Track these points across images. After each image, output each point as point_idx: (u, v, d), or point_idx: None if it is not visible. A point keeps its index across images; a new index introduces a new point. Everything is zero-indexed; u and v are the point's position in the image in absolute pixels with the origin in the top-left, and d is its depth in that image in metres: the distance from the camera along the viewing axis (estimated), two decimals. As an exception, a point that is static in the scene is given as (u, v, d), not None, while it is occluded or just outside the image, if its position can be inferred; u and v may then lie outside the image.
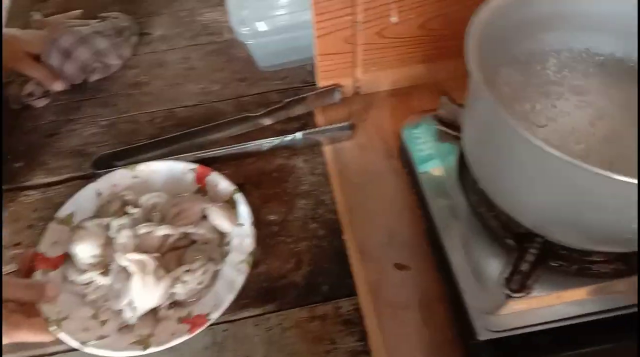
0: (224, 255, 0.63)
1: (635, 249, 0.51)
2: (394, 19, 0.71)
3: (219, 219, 0.64)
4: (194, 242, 0.64)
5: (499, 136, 0.48)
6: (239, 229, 0.64)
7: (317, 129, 0.73)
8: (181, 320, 0.58)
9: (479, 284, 0.54)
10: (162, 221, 0.63)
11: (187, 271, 0.60)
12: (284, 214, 0.69)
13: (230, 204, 0.66)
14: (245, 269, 0.60)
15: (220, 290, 0.60)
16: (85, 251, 0.61)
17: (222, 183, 0.67)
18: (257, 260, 0.65)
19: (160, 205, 0.65)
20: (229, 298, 0.58)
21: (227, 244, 0.64)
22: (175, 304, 0.60)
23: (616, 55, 0.59)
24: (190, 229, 0.63)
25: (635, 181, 0.38)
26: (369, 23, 0.71)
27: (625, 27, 0.57)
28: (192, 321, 0.57)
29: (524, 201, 0.50)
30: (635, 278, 0.54)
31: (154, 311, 0.59)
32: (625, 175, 0.38)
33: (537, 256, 0.52)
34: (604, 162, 0.55)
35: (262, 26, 0.77)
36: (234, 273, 0.60)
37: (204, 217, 0.65)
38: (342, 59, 0.75)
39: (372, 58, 0.75)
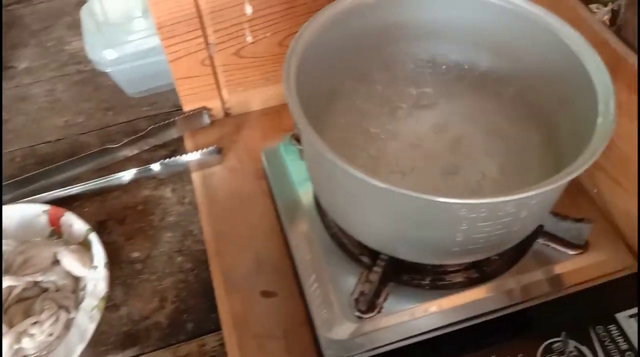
0: (79, 301, 0.59)
1: (475, 258, 0.52)
2: (249, 38, 0.69)
3: (70, 263, 0.60)
4: (45, 290, 0.60)
5: (326, 167, 0.47)
6: (94, 272, 0.60)
7: (179, 157, 0.70)
8: None
9: (332, 308, 0.52)
10: (7, 271, 0.59)
11: (35, 322, 0.56)
12: (148, 250, 0.66)
13: (85, 246, 0.62)
14: (97, 315, 0.56)
15: (72, 340, 0.56)
16: None
17: (76, 223, 0.64)
18: (118, 302, 0.61)
19: (7, 253, 0.61)
20: (79, 348, 0.54)
21: (83, 289, 0.60)
22: (22, 362, 0.56)
23: (462, 64, 0.59)
24: (38, 277, 0.59)
25: (452, 200, 0.38)
26: (224, 44, 0.69)
27: (469, 36, 0.57)
28: None
29: (360, 224, 0.49)
30: (489, 284, 0.54)
31: None
32: (455, 193, 0.38)
33: (382, 274, 0.51)
34: (448, 171, 0.55)
35: (112, 53, 0.74)
36: (87, 321, 0.57)
37: (57, 261, 0.61)
38: (203, 81, 0.72)
39: (235, 79, 0.73)
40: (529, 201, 0.41)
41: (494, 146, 0.56)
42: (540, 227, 0.55)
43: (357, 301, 0.50)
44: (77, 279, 0.61)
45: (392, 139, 0.57)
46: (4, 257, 0.60)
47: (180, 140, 0.76)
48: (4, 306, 0.57)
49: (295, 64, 0.47)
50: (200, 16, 0.65)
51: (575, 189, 0.60)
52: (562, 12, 0.56)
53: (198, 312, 0.61)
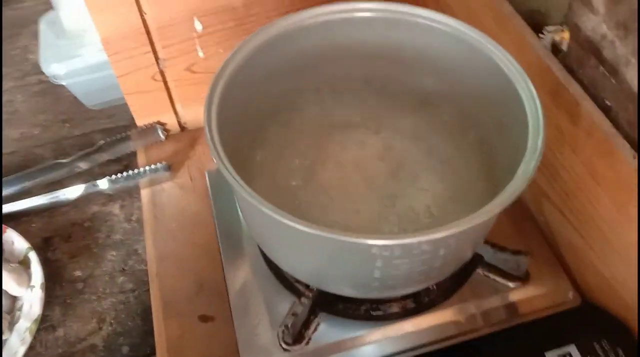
0: (13, 322, 0.58)
1: (402, 292, 0.50)
2: (200, 54, 0.68)
3: (8, 282, 0.59)
4: None
5: (241, 199, 0.45)
6: (30, 292, 0.59)
7: (127, 173, 0.69)
8: None
9: (260, 338, 0.50)
10: None
11: None
12: (90, 269, 0.64)
13: (24, 264, 0.61)
14: (28, 338, 0.55)
15: None
16: None
17: (17, 241, 0.62)
18: (55, 323, 0.60)
19: None
20: None
21: (20, 309, 0.59)
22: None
23: (404, 85, 0.57)
24: None
25: (367, 241, 0.36)
26: (175, 60, 0.67)
27: (411, 58, 0.55)
28: None
29: (282, 256, 0.48)
30: (426, 315, 0.52)
31: None
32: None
33: (312, 305, 0.49)
34: (387, 196, 0.54)
35: (63, 67, 0.73)
36: (17, 343, 0.55)
37: None
38: (155, 96, 0.71)
39: (188, 93, 0.72)
40: (446, 240, 0.39)
41: (435, 172, 0.55)
42: (480, 257, 0.53)
43: (283, 332, 0.49)
44: (14, 299, 0.60)
45: (329, 165, 0.55)
46: None
47: (134, 154, 0.75)
48: None
49: (221, 89, 0.46)
50: (148, 32, 0.64)
51: (522, 215, 0.58)
52: (508, 35, 0.54)
53: (135, 335, 0.59)
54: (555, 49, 0.56)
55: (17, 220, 0.68)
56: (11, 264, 0.60)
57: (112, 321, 0.60)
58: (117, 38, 0.63)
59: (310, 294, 0.49)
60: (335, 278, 0.46)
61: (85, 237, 0.67)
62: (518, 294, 0.52)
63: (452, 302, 0.52)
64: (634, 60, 0.40)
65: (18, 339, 0.56)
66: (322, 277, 0.47)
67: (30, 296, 0.59)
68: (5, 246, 0.63)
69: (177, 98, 0.72)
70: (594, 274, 0.51)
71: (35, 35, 0.87)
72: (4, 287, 0.59)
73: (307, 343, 0.49)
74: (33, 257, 0.61)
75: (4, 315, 0.59)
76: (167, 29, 0.64)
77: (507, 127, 0.48)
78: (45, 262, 0.62)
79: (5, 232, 0.63)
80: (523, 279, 0.52)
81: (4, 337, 0.57)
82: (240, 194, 0.39)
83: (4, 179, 0.70)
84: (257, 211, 0.39)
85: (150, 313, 0.60)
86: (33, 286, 0.59)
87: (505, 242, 0.54)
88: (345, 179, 0.54)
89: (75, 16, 0.78)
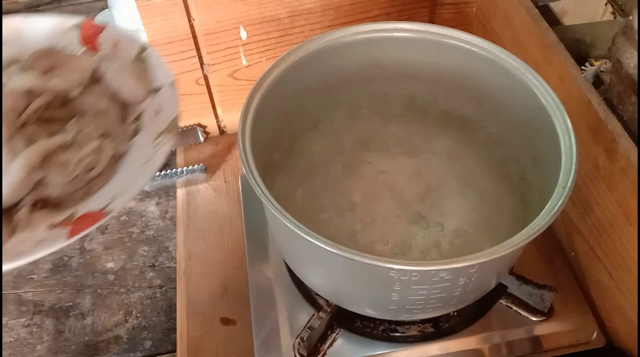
0: (129, 134, 0.44)
1: (420, 317, 0.50)
2: (244, 61, 0.69)
3: (124, 82, 0.44)
4: (76, 116, 0.42)
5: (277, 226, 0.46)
6: (153, 97, 0.44)
7: (164, 172, 0.71)
8: (54, 226, 0.37)
9: (277, 348, 0.51)
10: (24, 70, 0.43)
11: (70, 147, 0.39)
12: (122, 262, 0.67)
13: (139, 64, 0.46)
14: (168, 139, 0.41)
15: (126, 176, 0.40)
16: None
17: (125, 41, 0.46)
18: (84, 311, 0.62)
19: (20, 58, 0.43)
20: (142, 179, 0.39)
21: (136, 119, 0.44)
22: (44, 203, 0.38)
23: (443, 107, 0.57)
24: (74, 90, 0.42)
25: (383, 264, 0.37)
26: (219, 65, 0.69)
27: (451, 81, 0.55)
28: (76, 222, 0.37)
29: (305, 270, 0.48)
30: (444, 342, 0.52)
31: (7, 213, 0.37)
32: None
33: (329, 319, 0.50)
34: (414, 218, 0.53)
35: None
36: (151, 150, 0.41)
37: (98, 80, 0.45)
38: (198, 99, 0.73)
39: (230, 99, 0.73)
40: (466, 270, 0.39)
41: (465, 198, 0.54)
42: (505, 287, 0.52)
43: (299, 344, 0.49)
44: (124, 107, 0.45)
45: (359, 183, 0.56)
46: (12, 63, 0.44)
47: (173, 154, 0.77)
48: (19, 120, 0.40)
49: (258, 101, 0.47)
50: (195, 37, 0.66)
51: (553, 249, 0.57)
52: (552, 65, 0.53)
53: (158, 330, 0.61)
54: (599, 80, 0.55)
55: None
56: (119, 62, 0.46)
57: (138, 315, 0.62)
58: (164, 41, 0.65)
59: (329, 309, 0.49)
60: (354, 297, 0.46)
61: (120, 230, 0.70)
62: (541, 328, 0.51)
63: (473, 331, 0.52)
64: (676, 103, 0.39)
65: (149, 147, 0.41)
66: (341, 294, 0.47)
67: (155, 100, 0.44)
68: (103, 48, 0.47)
69: (219, 102, 0.74)
70: (621, 316, 0.49)
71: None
72: (116, 87, 0.45)
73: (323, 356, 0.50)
74: (152, 54, 0.46)
75: (115, 122, 0.44)
76: (213, 36, 0.66)
77: (541, 160, 0.48)
78: (81, 252, 0.65)
79: (102, 31, 0.47)
80: (547, 313, 0.51)
81: (116, 149, 0.42)
82: (266, 207, 0.40)
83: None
84: (281, 225, 0.40)
85: (175, 311, 0.62)
86: (158, 88, 0.44)
87: (533, 274, 0.53)
88: (374, 196, 0.55)
89: (128, 15, 0.81)
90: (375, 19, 0.69)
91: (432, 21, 0.72)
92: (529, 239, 0.36)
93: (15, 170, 0.36)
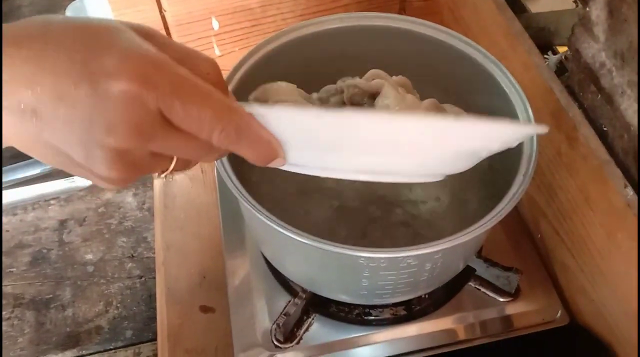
0: None
1: (390, 301, 0.52)
2: (217, 51, 0.70)
3: None
4: None
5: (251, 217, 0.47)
6: None
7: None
8: None
9: (254, 334, 0.52)
10: None
11: None
12: (102, 253, 0.68)
13: None
14: None
15: None
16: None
17: None
18: (65, 303, 0.63)
19: None
20: None
21: None
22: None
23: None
24: None
25: (352, 252, 0.38)
26: (192, 55, 0.69)
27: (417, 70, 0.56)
28: None
29: (278, 258, 0.49)
30: (416, 323, 0.54)
31: None
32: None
33: (305, 305, 0.51)
34: (383, 204, 0.55)
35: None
36: None
37: None
38: (172, 90, 0.73)
39: (204, 89, 0.74)
40: (431, 256, 0.40)
41: (434, 183, 0.55)
42: (473, 270, 0.54)
43: (276, 330, 0.51)
44: None
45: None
46: None
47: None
48: None
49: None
50: (166, 28, 0.66)
51: (520, 232, 0.59)
52: (516, 54, 0.55)
53: (139, 320, 0.62)
54: (563, 67, 0.56)
55: (35, 202, 0.72)
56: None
57: (118, 305, 0.64)
58: (137, 33, 0.65)
59: (304, 296, 0.51)
60: (326, 284, 0.48)
61: (98, 222, 0.70)
62: (508, 309, 0.53)
63: (443, 313, 0.54)
64: (630, 91, 0.40)
65: None
66: (315, 282, 0.48)
67: None
68: None
69: (194, 92, 0.74)
70: (583, 296, 0.51)
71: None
72: None
73: (299, 342, 0.51)
74: None
75: None
76: (185, 27, 0.66)
77: (507, 151, 0.49)
78: (59, 244, 0.66)
79: None
80: (513, 294, 0.53)
81: None
82: (238, 199, 0.41)
83: (25, 162, 0.73)
84: (254, 216, 0.41)
85: (155, 300, 0.63)
86: None
87: (501, 257, 0.54)
88: (346, 182, 0.56)
89: (100, 6, 0.80)
90: (346, 8, 0.69)
91: (402, 9, 0.72)
92: (489, 225, 0.38)
93: None
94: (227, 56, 0.70)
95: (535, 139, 0.43)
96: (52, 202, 0.72)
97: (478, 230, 0.38)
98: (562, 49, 0.58)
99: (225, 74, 0.50)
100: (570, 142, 0.48)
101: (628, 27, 0.40)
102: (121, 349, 0.60)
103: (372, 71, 0.52)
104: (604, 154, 0.44)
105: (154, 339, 0.61)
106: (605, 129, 0.46)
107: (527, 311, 0.54)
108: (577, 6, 0.49)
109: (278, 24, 0.68)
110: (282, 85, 0.42)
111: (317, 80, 0.58)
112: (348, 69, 0.57)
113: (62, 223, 0.70)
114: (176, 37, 0.67)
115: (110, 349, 0.60)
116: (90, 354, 0.60)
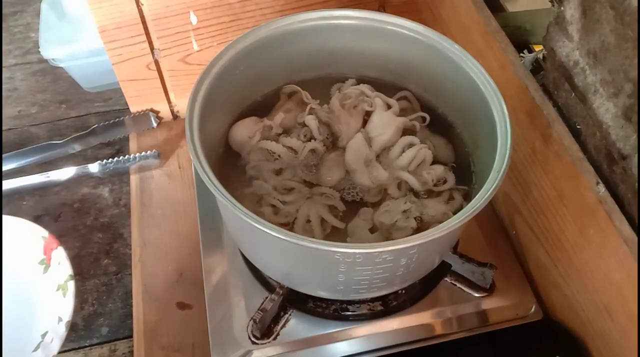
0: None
1: (367, 296, 0.52)
2: (195, 46, 0.69)
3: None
4: None
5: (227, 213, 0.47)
6: (56, 324, 0.57)
7: (117, 159, 0.71)
8: None
9: (230, 330, 0.52)
10: None
11: None
12: (77, 249, 0.67)
13: (63, 290, 0.60)
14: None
15: None
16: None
17: (63, 263, 0.61)
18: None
19: None
20: None
21: (43, 336, 0.58)
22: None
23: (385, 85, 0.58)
24: None
25: (327, 247, 0.38)
26: (170, 50, 0.69)
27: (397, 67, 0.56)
28: None
29: (260, 261, 0.49)
30: (393, 318, 0.54)
31: None
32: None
33: (282, 301, 0.51)
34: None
35: (62, 51, 0.74)
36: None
37: None
38: (149, 84, 0.72)
39: (182, 84, 0.73)
40: (407, 251, 0.41)
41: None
42: (449, 266, 0.55)
43: (252, 325, 0.51)
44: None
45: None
46: None
47: (126, 139, 0.77)
48: None
49: (206, 88, 0.48)
50: (144, 22, 0.65)
51: (495, 229, 0.60)
52: (493, 52, 0.55)
53: (115, 317, 0.61)
54: (539, 66, 0.57)
55: (9, 197, 0.70)
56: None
57: (94, 302, 0.63)
58: (113, 27, 0.64)
59: (282, 292, 0.51)
60: (303, 280, 0.48)
61: (74, 218, 0.69)
62: (483, 304, 0.54)
63: (419, 308, 0.54)
64: (602, 90, 0.41)
65: None
66: (291, 277, 0.48)
67: (55, 329, 0.57)
68: (52, 263, 0.62)
69: (171, 87, 0.74)
70: (556, 291, 0.52)
71: (38, 14, 0.89)
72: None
73: (276, 338, 0.51)
74: (71, 287, 0.59)
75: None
76: (163, 21, 0.66)
77: (481, 145, 0.50)
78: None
79: (56, 248, 0.62)
80: (488, 290, 0.54)
81: None
82: (214, 194, 0.41)
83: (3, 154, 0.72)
84: (230, 212, 0.41)
85: (131, 297, 0.62)
86: (61, 319, 0.57)
87: (477, 253, 0.55)
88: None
89: (75, 0, 0.79)
90: (326, 4, 0.69)
91: (382, 7, 0.73)
92: (463, 222, 0.38)
93: None
94: (206, 51, 0.70)
95: (509, 138, 0.43)
96: (26, 197, 0.70)
97: (451, 226, 0.38)
98: (537, 48, 0.59)
99: (202, 68, 0.51)
100: (544, 140, 0.49)
101: (600, 27, 0.41)
102: (97, 346, 0.59)
103: (359, 87, 0.53)
104: (577, 152, 0.45)
105: (130, 336, 0.60)
106: (578, 126, 0.47)
107: (502, 306, 0.54)
108: (553, 5, 0.49)
109: (257, 19, 0.68)
110: None
111: (298, 74, 0.58)
112: (328, 64, 0.58)
113: (37, 219, 0.68)
114: (154, 31, 0.66)
115: (86, 347, 0.59)
116: (65, 351, 0.59)
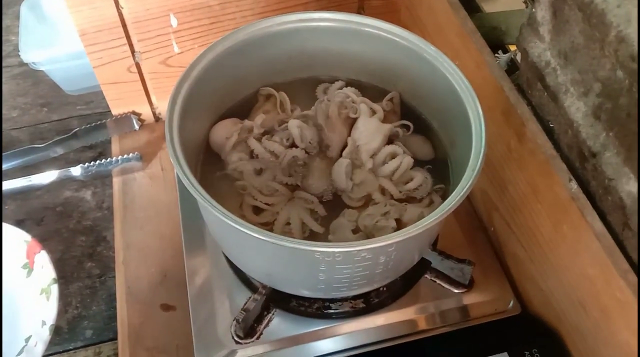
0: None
1: (348, 294, 0.53)
2: (176, 49, 0.69)
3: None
4: None
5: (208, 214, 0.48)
6: (40, 328, 0.57)
7: (100, 162, 0.71)
8: None
9: (214, 331, 0.53)
10: None
11: None
12: (60, 253, 0.67)
13: (46, 294, 0.59)
14: None
15: None
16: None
17: (46, 267, 0.61)
18: (22, 304, 0.62)
19: None
20: None
21: (27, 340, 0.58)
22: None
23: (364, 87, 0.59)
24: None
25: (307, 247, 0.39)
26: (150, 53, 0.69)
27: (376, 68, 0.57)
28: None
29: (241, 261, 0.50)
30: (375, 316, 0.55)
31: None
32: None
33: (265, 301, 0.52)
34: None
35: (43, 54, 0.74)
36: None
37: None
38: (130, 87, 0.72)
39: (163, 86, 0.73)
40: (385, 249, 0.42)
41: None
42: (429, 262, 0.56)
43: (235, 325, 0.51)
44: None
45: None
46: None
47: (108, 142, 0.77)
48: None
49: (186, 91, 0.48)
50: (124, 25, 0.65)
51: (474, 225, 0.61)
52: (469, 53, 0.56)
53: (99, 319, 0.62)
54: (515, 66, 0.58)
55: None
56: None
57: (78, 305, 0.63)
58: (93, 30, 0.64)
59: (264, 291, 0.51)
60: (284, 279, 0.48)
61: (56, 221, 0.69)
62: (462, 300, 0.55)
63: (400, 305, 0.55)
64: (572, 89, 0.42)
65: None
66: (273, 277, 0.49)
67: (39, 333, 0.57)
68: (35, 267, 0.62)
69: (153, 90, 0.74)
70: (533, 286, 0.54)
71: (18, 17, 0.88)
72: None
73: (259, 337, 0.52)
74: (55, 291, 0.59)
75: None
76: (143, 24, 0.66)
77: (457, 145, 0.51)
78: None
79: (39, 252, 0.62)
80: (467, 286, 0.55)
81: None
82: (194, 195, 0.41)
83: (-22, 161, 0.72)
84: (210, 213, 0.42)
85: (115, 299, 0.62)
86: (44, 323, 0.57)
87: (456, 250, 0.56)
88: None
89: (55, 2, 0.79)
90: (306, 6, 0.70)
91: (361, 8, 0.73)
92: (439, 219, 0.39)
93: None
94: (187, 53, 0.70)
95: (483, 136, 0.44)
96: (8, 201, 0.70)
97: (428, 224, 0.39)
98: (513, 48, 0.60)
99: (182, 71, 0.51)
100: (519, 138, 0.50)
101: (570, 28, 0.42)
102: (81, 349, 0.59)
103: (346, 91, 0.54)
104: (550, 149, 0.46)
105: (115, 339, 0.60)
106: (551, 125, 0.48)
107: (481, 302, 0.55)
108: (526, 7, 0.51)
109: (238, 21, 0.68)
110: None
111: (279, 76, 0.58)
112: (308, 66, 0.58)
113: (20, 223, 0.68)
114: (134, 34, 0.66)
115: (70, 350, 0.59)
116: (50, 355, 0.59)
